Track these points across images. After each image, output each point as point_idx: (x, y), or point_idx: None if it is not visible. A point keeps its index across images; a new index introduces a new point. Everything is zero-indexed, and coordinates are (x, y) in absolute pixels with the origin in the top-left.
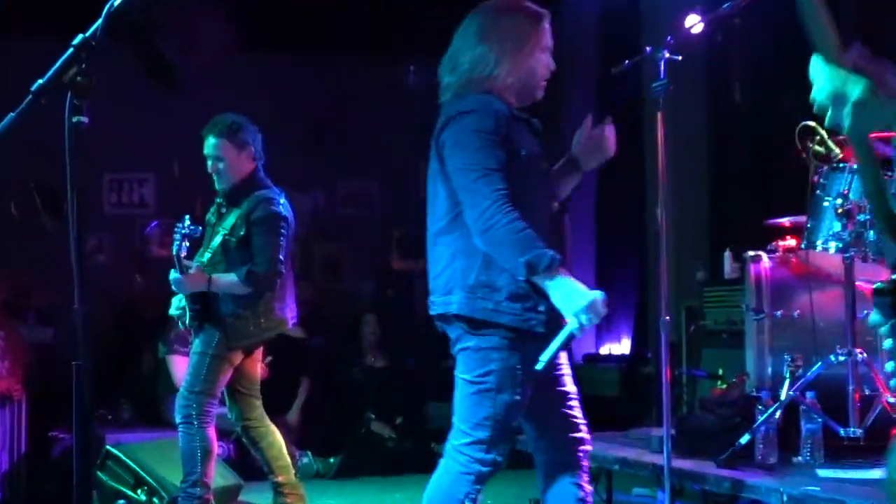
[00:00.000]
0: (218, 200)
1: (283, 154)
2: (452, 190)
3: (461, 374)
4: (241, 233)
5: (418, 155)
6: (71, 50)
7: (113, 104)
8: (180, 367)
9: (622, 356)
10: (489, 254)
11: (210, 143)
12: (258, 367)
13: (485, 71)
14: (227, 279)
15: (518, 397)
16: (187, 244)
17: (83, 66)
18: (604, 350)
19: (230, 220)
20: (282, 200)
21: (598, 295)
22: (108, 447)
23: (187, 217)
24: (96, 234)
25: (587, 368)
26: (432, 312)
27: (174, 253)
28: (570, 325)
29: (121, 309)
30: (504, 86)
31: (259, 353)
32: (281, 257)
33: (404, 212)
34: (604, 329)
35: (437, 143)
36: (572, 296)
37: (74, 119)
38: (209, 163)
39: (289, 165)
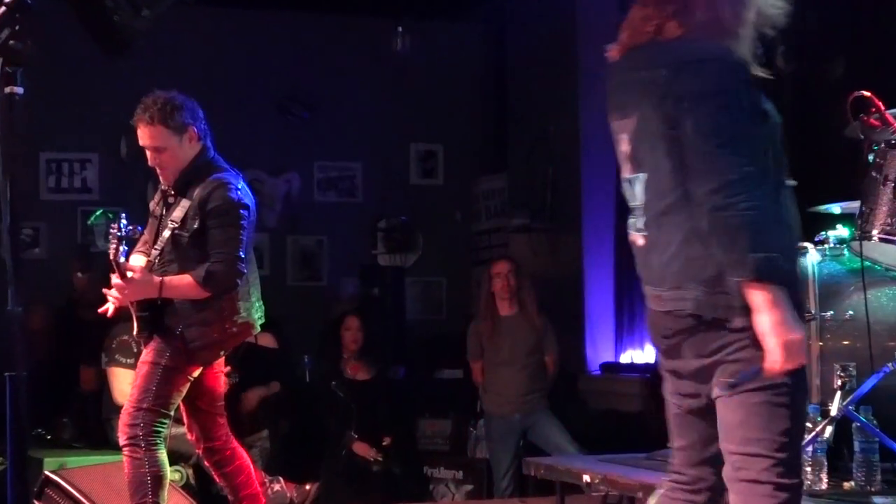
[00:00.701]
0: (162, 188)
1: (248, 130)
2: (680, 157)
3: (738, 384)
4: (195, 226)
5: (408, 132)
6: (3, 10)
7: (51, 72)
8: (123, 382)
9: (646, 365)
10: (712, 234)
11: (144, 134)
12: (221, 379)
13: (733, 9)
14: (182, 282)
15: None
16: (125, 248)
17: (17, 28)
18: (625, 358)
19: (179, 210)
20: (240, 185)
21: (803, 335)
22: (46, 472)
23: (122, 216)
24: (31, 224)
25: (606, 380)
26: (662, 309)
27: (112, 259)
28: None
29: (59, 311)
30: (744, 32)
31: (221, 363)
32: (241, 253)
33: (392, 198)
34: (624, 332)
35: (660, 99)
36: (784, 326)
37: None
38: (148, 155)
39: (256, 144)
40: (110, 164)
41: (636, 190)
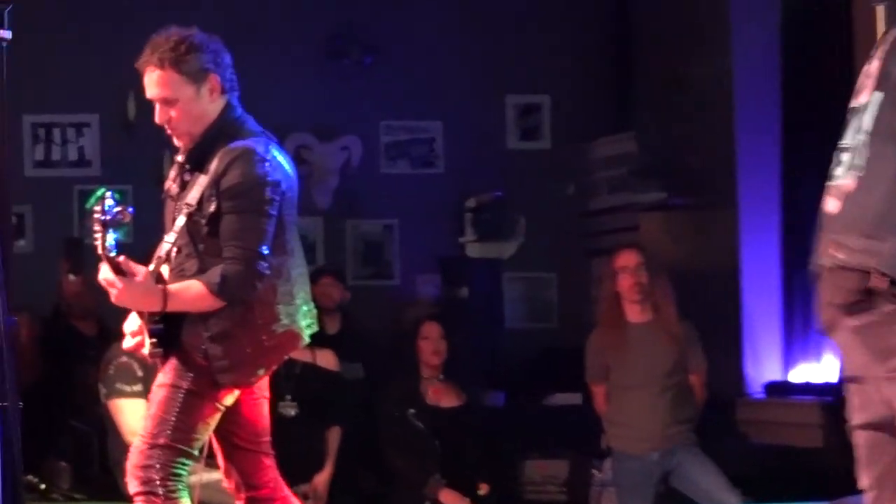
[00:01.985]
0: (178, 159)
1: (291, 82)
2: None
3: None
4: (211, 209)
5: (502, 80)
6: None
7: (39, 7)
8: (131, 415)
9: (826, 386)
10: None
11: (150, 81)
12: (264, 407)
13: None
14: (189, 292)
15: None
16: (115, 236)
17: None
18: (797, 376)
19: (196, 189)
20: (270, 154)
21: None
22: None
23: (109, 193)
24: (13, 209)
25: (772, 406)
26: (830, 262)
27: (101, 253)
28: None
29: (50, 321)
30: None
31: (264, 386)
32: (265, 248)
33: (483, 169)
34: (796, 341)
35: None
36: None
37: None
38: (156, 110)
39: (301, 99)
40: (115, 129)
41: (864, 119)
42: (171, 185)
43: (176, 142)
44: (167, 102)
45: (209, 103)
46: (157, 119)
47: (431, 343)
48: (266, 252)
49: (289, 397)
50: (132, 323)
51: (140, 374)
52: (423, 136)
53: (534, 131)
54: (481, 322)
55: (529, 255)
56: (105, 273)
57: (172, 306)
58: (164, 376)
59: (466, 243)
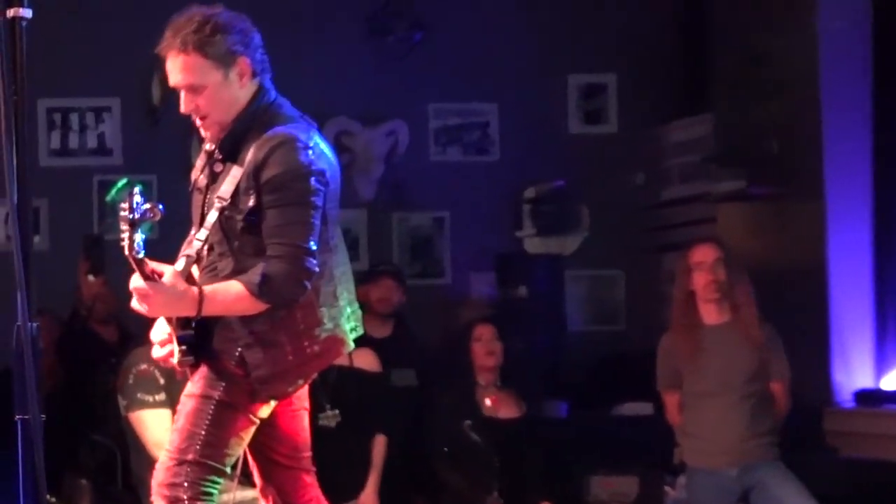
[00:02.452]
0: (207, 148)
1: (330, 61)
2: None
3: None
4: (251, 203)
5: (565, 57)
6: None
7: None
8: (156, 427)
9: None
10: None
11: (174, 67)
12: (304, 419)
13: None
14: (228, 293)
15: None
16: (143, 236)
17: None
18: (889, 383)
19: (229, 182)
20: (312, 141)
21: None
22: None
23: (137, 188)
24: None
25: (864, 416)
26: None
27: (128, 256)
28: None
29: (67, 325)
30: None
31: (304, 396)
32: (313, 243)
33: (543, 155)
34: (888, 346)
35: None
36: None
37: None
38: (181, 98)
39: (341, 81)
40: (138, 113)
41: None
42: (199, 176)
43: (203, 132)
44: (193, 90)
45: (239, 88)
46: (183, 108)
47: (484, 345)
48: (314, 247)
49: (328, 406)
50: (160, 331)
51: (162, 381)
52: (476, 120)
53: (598, 114)
54: (541, 325)
55: (594, 251)
56: (136, 281)
57: (209, 310)
58: (194, 386)
59: (524, 238)
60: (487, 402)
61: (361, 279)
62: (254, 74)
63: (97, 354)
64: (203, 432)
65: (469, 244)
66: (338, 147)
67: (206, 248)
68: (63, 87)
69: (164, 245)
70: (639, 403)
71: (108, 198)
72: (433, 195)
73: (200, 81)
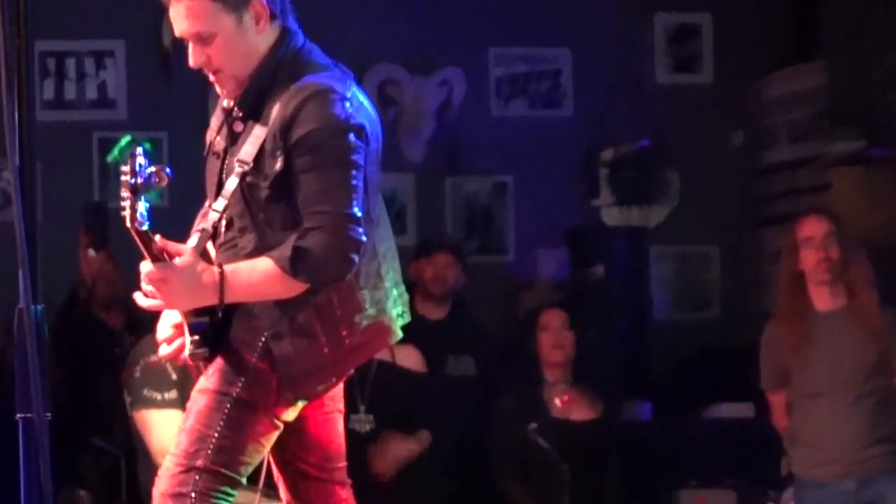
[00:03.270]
0: (224, 105)
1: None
2: None
3: None
4: (278, 167)
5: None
6: None
7: None
8: (163, 429)
9: None
10: None
11: (177, 13)
12: (338, 423)
13: None
14: (255, 272)
15: None
16: (147, 204)
17: None
18: None
19: (251, 144)
20: (349, 92)
21: None
22: None
23: (140, 148)
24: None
25: None
26: None
27: (130, 227)
28: None
29: (65, 311)
30: None
31: (338, 396)
32: (357, 209)
33: (625, 110)
34: None
35: None
36: None
37: None
38: (189, 51)
39: (385, 22)
40: (146, 60)
41: None
42: (214, 137)
43: (218, 89)
44: (201, 39)
45: (256, 35)
46: (192, 62)
47: (552, 335)
48: (360, 214)
49: (362, 409)
50: (166, 325)
51: (174, 377)
52: (545, 68)
53: (690, 61)
54: (621, 311)
55: (684, 224)
56: (148, 265)
57: (232, 295)
58: (208, 380)
59: (602, 208)
60: (557, 402)
61: (412, 254)
62: (273, 17)
63: (100, 344)
64: (216, 435)
65: (536, 215)
66: (381, 100)
67: (224, 221)
68: (57, 26)
69: (176, 219)
70: (737, 404)
71: (111, 158)
72: (494, 157)
73: (209, 29)
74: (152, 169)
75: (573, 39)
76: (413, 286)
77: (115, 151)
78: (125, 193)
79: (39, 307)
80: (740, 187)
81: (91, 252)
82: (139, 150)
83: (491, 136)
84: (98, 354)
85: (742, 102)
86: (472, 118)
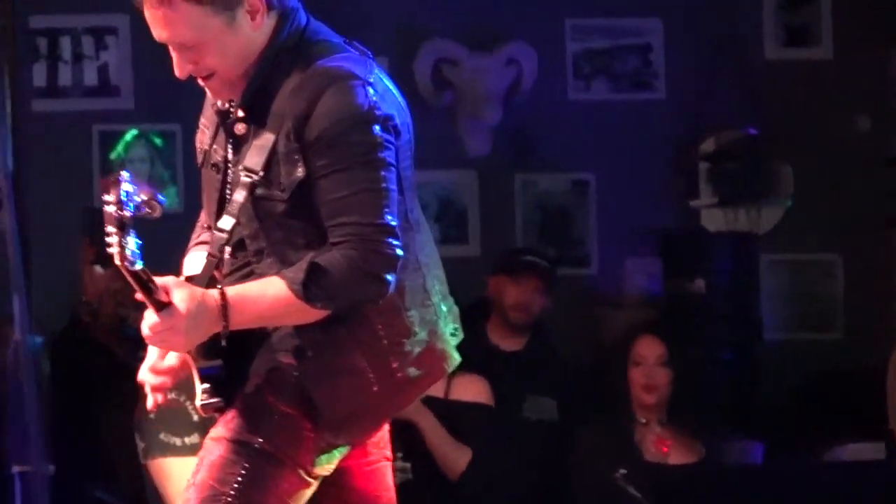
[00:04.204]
0: (220, 107)
1: None
2: None
3: None
4: (299, 174)
5: None
6: None
7: None
8: (181, 479)
9: None
10: None
11: (153, 20)
12: (388, 474)
13: None
14: (263, 295)
15: None
16: (138, 241)
17: None
18: None
19: (257, 150)
20: (372, 76)
21: None
22: None
23: (126, 173)
24: None
25: None
26: None
27: (121, 267)
28: None
29: (63, 338)
30: None
31: (384, 441)
32: (393, 217)
33: (726, 93)
34: None
35: None
36: None
37: None
38: (174, 60)
39: None
40: (153, 37)
41: None
42: (209, 144)
43: (210, 93)
44: (186, 47)
45: (252, 31)
46: (177, 72)
47: (645, 372)
48: (394, 223)
49: (399, 456)
50: (154, 354)
51: (196, 418)
52: (632, 42)
53: (805, 32)
54: (726, 332)
55: (800, 227)
56: (150, 318)
57: (238, 320)
58: (224, 426)
59: (702, 210)
60: (650, 444)
61: (481, 266)
62: (270, 6)
63: (105, 377)
64: (231, 493)
65: (623, 219)
66: (435, 82)
67: (231, 243)
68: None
69: (190, 225)
70: (865, 444)
71: (114, 155)
72: (572, 149)
73: (194, 35)
74: (142, 197)
75: (665, 7)
76: (481, 305)
77: (120, 147)
78: (111, 229)
79: (38, 340)
80: (866, 183)
81: (97, 267)
82: (124, 175)
83: (568, 125)
84: (103, 389)
85: (867, 81)
86: (544, 103)
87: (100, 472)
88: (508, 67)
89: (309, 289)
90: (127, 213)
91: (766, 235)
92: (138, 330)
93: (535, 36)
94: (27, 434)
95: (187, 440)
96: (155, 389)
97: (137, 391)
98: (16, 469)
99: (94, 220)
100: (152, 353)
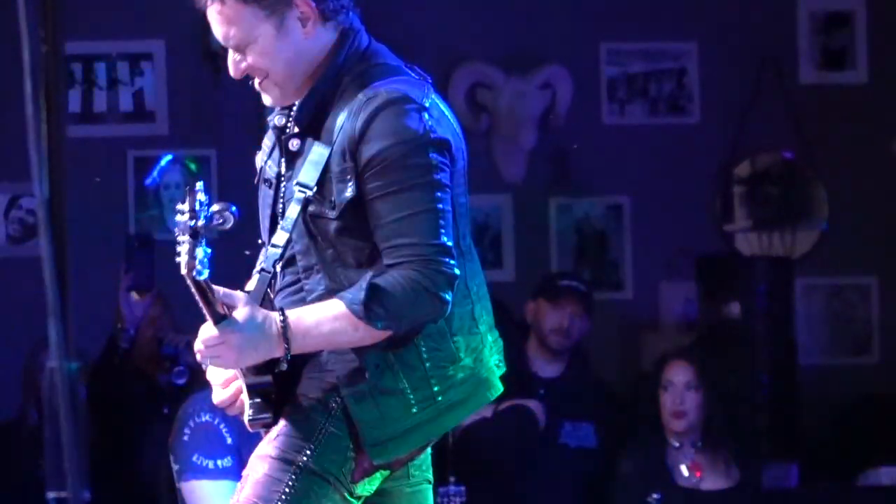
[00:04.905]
0: (274, 122)
1: None
2: None
3: None
4: (348, 193)
5: None
6: None
7: None
8: (214, 502)
9: None
10: None
11: (212, 18)
12: (429, 498)
13: None
14: (323, 318)
15: None
16: (208, 251)
17: None
18: None
19: (311, 165)
20: (428, 101)
21: None
22: None
23: (201, 183)
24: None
25: None
26: None
27: (186, 276)
28: None
29: (100, 367)
30: None
31: (426, 464)
32: (448, 238)
33: (761, 115)
34: None
35: None
36: None
37: None
38: (230, 62)
39: (476, 13)
40: (191, 63)
41: None
42: (264, 159)
43: (264, 98)
44: (239, 48)
45: (304, 38)
46: (231, 71)
47: (674, 396)
48: (451, 243)
49: (452, 479)
50: (218, 371)
51: (230, 440)
52: (667, 66)
53: (841, 56)
54: (762, 356)
55: (836, 251)
56: (208, 330)
57: (300, 347)
58: (269, 444)
59: (736, 233)
60: (684, 468)
61: (515, 291)
62: (324, 17)
63: (142, 402)
64: None
65: (658, 242)
66: (471, 106)
67: (283, 262)
68: (86, 25)
69: (224, 253)
70: None
71: (149, 181)
72: (607, 173)
73: (245, 35)
74: (216, 208)
75: (700, 31)
76: (518, 329)
77: (156, 173)
78: (183, 237)
79: (74, 366)
80: None
81: (134, 295)
82: (199, 185)
83: (603, 149)
84: (139, 415)
85: None
86: (580, 127)
87: (136, 498)
88: (544, 91)
89: (371, 309)
90: (200, 223)
91: (801, 259)
92: (175, 349)
93: (570, 60)
94: (63, 460)
95: (221, 463)
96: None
97: (173, 414)
98: (52, 495)
99: (130, 247)
100: (213, 376)
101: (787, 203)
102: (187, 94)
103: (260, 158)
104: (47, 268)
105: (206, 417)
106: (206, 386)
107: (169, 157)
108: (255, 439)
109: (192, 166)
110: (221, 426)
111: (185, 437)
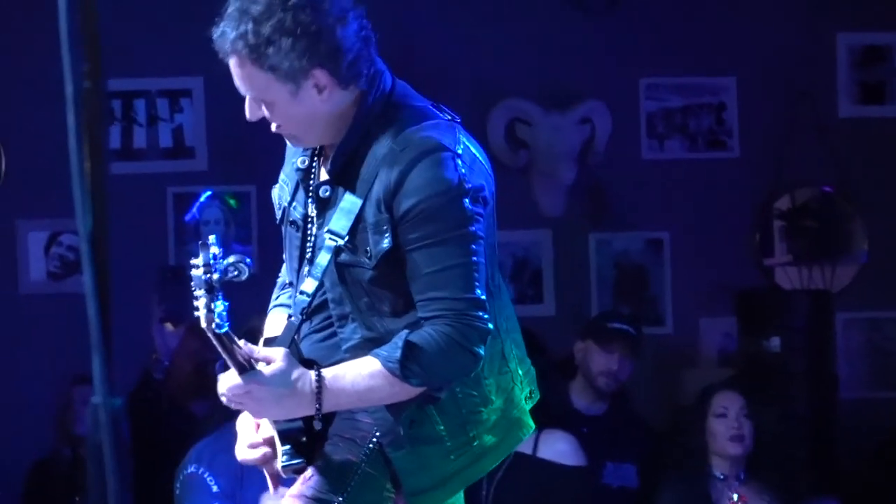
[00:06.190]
0: (299, 164)
1: (501, 18)
2: None
3: None
4: (385, 245)
5: (826, 14)
6: None
7: None
8: None
9: None
10: None
11: (232, 69)
12: None
13: None
14: (359, 377)
15: None
16: (226, 303)
17: None
18: None
19: (343, 214)
20: (460, 146)
21: None
22: None
23: (213, 237)
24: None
25: None
26: None
27: (207, 330)
28: None
29: (135, 398)
30: None
31: (458, 499)
32: (481, 291)
33: (801, 150)
34: None
35: None
36: None
37: None
38: (247, 101)
39: (514, 47)
40: (229, 100)
41: None
42: (287, 199)
43: (287, 140)
44: (257, 101)
45: (321, 104)
46: (248, 115)
47: (729, 423)
48: (484, 296)
49: None
50: (250, 422)
51: (216, 489)
52: (707, 101)
53: (879, 90)
54: (803, 390)
55: (876, 285)
56: (229, 379)
57: (333, 406)
58: (304, 483)
59: (776, 268)
60: (727, 501)
61: (557, 328)
62: (342, 85)
63: (178, 433)
64: None
65: (698, 277)
66: (510, 141)
67: (311, 310)
68: (124, 61)
69: (265, 288)
70: None
71: (189, 217)
72: (646, 208)
73: (262, 96)
74: (230, 260)
75: (739, 66)
76: (563, 365)
77: (194, 209)
78: (199, 292)
79: (118, 402)
80: None
81: (168, 326)
82: (211, 238)
83: (642, 184)
84: (176, 447)
85: None
86: (619, 162)
87: None
88: (582, 126)
89: (406, 367)
90: (215, 276)
91: (841, 293)
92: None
93: (608, 95)
94: (106, 498)
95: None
96: (261, 463)
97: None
98: None
99: (164, 279)
100: (243, 430)
101: (826, 237)
102: (226, 131)
103: (277, 195)
104: (90, 304)
105: (191, 469)
106: (211, 431)
107: (208, 192)
108: (246, 483)
109: (232, 202)
110: (206, 475)
111: (177, 491)
